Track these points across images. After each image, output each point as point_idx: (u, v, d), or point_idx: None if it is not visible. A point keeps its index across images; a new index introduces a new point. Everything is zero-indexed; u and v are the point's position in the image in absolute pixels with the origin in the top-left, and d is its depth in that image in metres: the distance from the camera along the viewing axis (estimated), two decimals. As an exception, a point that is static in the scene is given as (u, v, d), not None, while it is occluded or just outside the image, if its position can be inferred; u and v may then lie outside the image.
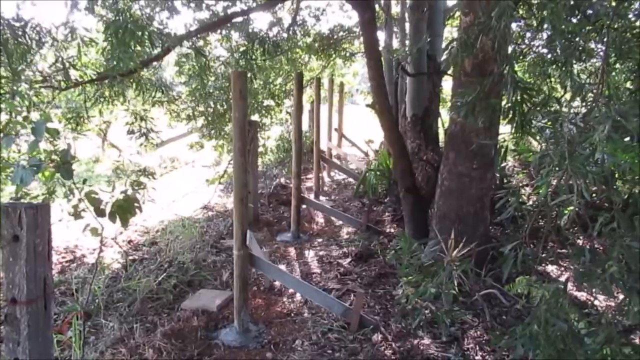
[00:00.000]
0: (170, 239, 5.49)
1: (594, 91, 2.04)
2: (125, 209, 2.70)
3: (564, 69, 2.26)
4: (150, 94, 6.29)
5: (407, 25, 6.00)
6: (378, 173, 7.04)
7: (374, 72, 4.91)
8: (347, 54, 10.40)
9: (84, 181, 2.88)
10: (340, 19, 25.48)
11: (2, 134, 3.08)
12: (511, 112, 2.73)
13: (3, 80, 4.32)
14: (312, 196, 7.37)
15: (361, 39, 6.97)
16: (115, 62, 4.78)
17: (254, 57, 6.97)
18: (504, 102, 2.74)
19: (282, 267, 4.88)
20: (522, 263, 2.39)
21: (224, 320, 3.75)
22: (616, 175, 1.91)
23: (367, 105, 8.64)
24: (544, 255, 2.79)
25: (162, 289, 4.16)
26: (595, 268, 2.12)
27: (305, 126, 10.14)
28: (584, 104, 2.12)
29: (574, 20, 2.68)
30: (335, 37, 9.49)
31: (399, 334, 3.50)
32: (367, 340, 3.44)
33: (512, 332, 2.13)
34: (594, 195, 2.01)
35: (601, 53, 2.60)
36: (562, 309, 2.05)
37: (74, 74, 5.25)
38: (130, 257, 5.06)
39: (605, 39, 2.36)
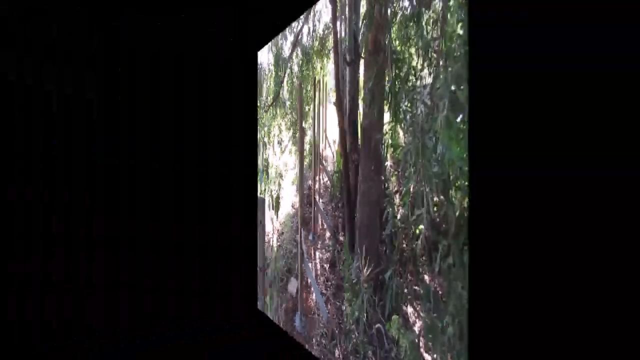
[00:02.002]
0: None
1: (436, 48, 1.31)
2: None
3: (414, 20, 1.52)
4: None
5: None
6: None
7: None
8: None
9: None
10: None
11: None
12: (390, 95, 2.10)
13: None
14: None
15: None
16: None
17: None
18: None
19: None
20: (397, 296, 1.78)
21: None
22: (451, 179, 1.18)
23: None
24: (405, 291, 2.06)
25: None
26: (438, 322, 1.40)
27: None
28: (430, 70, 1.39)
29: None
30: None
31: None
32: None
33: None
34: (436, 208, 1.29)
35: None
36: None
37: None
38: None
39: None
